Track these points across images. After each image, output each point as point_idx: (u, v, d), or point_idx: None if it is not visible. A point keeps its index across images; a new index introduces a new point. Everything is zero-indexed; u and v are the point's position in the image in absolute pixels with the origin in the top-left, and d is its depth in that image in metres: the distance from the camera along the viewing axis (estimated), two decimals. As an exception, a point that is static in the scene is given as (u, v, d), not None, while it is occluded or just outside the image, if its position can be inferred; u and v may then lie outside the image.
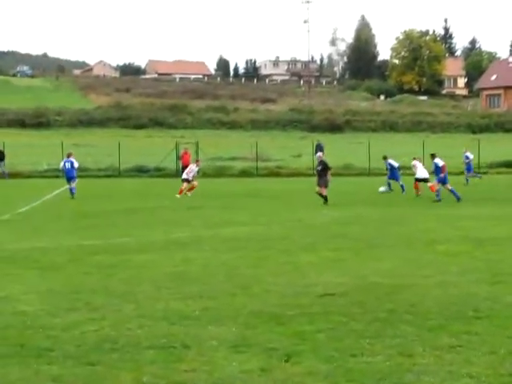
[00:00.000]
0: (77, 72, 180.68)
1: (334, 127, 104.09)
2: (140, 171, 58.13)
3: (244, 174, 58.26)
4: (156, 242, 20.42)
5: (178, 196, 35.73)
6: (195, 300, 12.29)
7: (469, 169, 47.67)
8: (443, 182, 33.58)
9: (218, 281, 14.18)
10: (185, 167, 54.91)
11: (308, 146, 64.75)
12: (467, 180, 45.88)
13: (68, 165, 36.59)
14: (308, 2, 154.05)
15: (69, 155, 37.40)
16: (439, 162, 33.76)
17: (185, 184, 37.06)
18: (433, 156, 34.71)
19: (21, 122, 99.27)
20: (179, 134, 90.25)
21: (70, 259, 17.12)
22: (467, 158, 47.71)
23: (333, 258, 17.02)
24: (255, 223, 25.05)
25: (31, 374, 8.29)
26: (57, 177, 52.69)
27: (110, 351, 9.22)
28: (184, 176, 37.79)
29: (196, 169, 38.92)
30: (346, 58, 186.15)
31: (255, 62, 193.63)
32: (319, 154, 38.67)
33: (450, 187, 33.52)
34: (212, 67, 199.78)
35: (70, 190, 36.38)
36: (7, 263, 16.43)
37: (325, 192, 31.83)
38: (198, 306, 11.79)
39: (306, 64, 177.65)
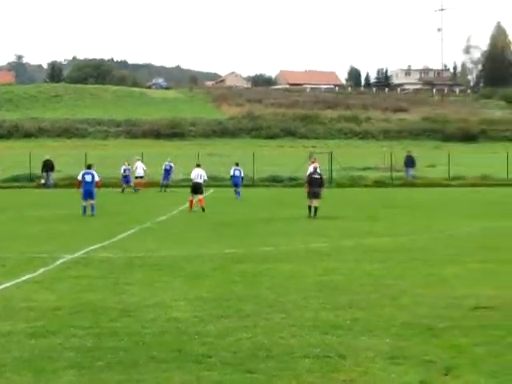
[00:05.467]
0: (209, 83, 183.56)
1: (468, 137, 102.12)
2: (274, 181, 58.62)
3: (378, 184, 57.84)
4: (297, 251, 20.42)
5: None
6: (345, 310, 12.20)
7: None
8: None
9: (365, 291, 14.05)
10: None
11: (442, 155, 63.85)
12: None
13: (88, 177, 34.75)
14: (442, 10, 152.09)
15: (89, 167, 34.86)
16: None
17: None
18: None
19: (156, 133, 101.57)
20: (311, 144, 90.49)
21: (214, 267, 17.30)
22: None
23: (481, 270, 16.62)
24: (395, 234, 24.76)
25: (193, 379, 8.37)
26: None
27: (266, 359, 9.23)
28: None
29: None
30: (480, 66, 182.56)
31: (387, 71, 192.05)
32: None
33: None
34: (343, 77, 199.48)
35: None
36: (154, 270, 16.73)
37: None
38: (348, 316, 11.69)
39: (438, 72, 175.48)
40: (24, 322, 11.21)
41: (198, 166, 38.15)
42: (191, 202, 35.93)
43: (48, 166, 57.60)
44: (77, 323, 11.12)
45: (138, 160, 53.15)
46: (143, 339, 10.21)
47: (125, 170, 51.02)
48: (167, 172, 52.37)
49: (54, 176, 58.27)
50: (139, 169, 52.10)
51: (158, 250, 20.40)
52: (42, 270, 16.63)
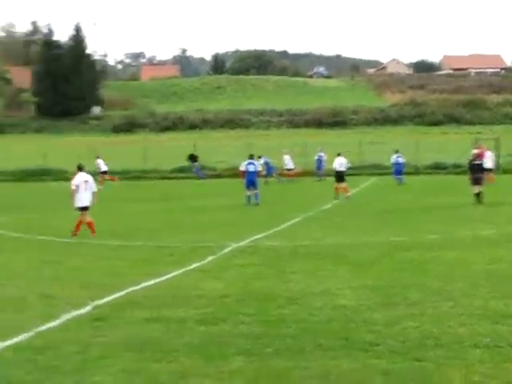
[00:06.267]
0: (370, 71, 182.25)
1: None
2: (438, 168, 57.71)
3: (549, 170, 55.97)
4: (463, 238, 19.99)
5: None
6: (515, 299, 11.85)
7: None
8: None
9: (535, 280, 13.60)
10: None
11: None
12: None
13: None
14: None
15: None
16: None
17: None
18: None
19: (318, 122, 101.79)
20: (476, 130, 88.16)
21: (378, 255, 17.19)
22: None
23: None
24: None
25: (360, 367, 8.36)
26: (354, 174, 53.59)
27: (435, 348, 9.09)
28: None
29: None
30: None
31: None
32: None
33: None
34: (510, 60, 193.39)
35: None
36: (319, 259, 16.79)
37: None
38: (519, 306, 11.35)
39: None
40: (194, 309, 11.50)
41: (339, 154, 38.52)
42: (336, 189, 36.37)
43: (192, 159, 61.02)
44: (245, 310, 11.31)
45: (286, 153, 54.45)
46: (310, 326, 10.27)
47: (266, 163, 52.59)
48: (319, 162, 53.38)
49: (200, 166, 61.35)
50: (287, 161, 53.61)
51: (322, 239, 20.47)
52: (209, 259, 17.02)
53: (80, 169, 23.52)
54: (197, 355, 8.97)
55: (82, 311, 11.56)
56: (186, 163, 62.26)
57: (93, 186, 23.19)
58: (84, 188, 22.83)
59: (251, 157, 35.06)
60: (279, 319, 10.74)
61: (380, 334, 9.80)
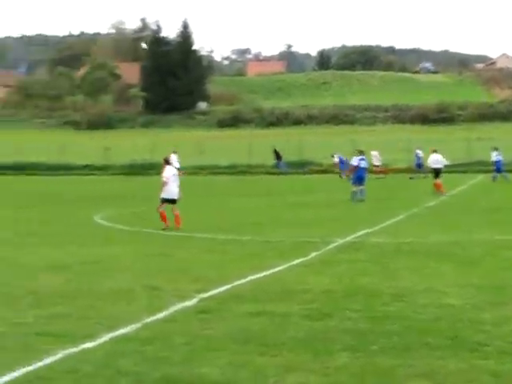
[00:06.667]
0: (479, 66, 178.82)
1: None
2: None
3: None
4: None
5: None
6: None
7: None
8: None
9: None
10: None
11: None
12: None
13: None
14: None
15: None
16: None
17: None
18: None
19: (423, 118, 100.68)
20: None
21: (485, 253, 16.88)
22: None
23: None
24: None
25: (467, 367, 8.18)
26: (460, 172, 52.79)
27: (544, 351, 8.85)
28: None
29: None
30: None
31: None
32: None
33: None
34: None
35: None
36: (423, 257, 16.60)
37: None
38: None
39: None
40: (299, 304, 11.49)
41: (435, 151, 38.52)
42: (437, 185, 36.12)
43: (277, 156, 63.37)
44: (350, 306, 11.25)
45: (374, 150, 55.55)
46: (416, 324, 10.13)
47: (341, 160, 53.87)
48: (418, 159, 53.38)
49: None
50: (374, 158, 54.66)
51: (426, 236, 20.25)
52: (313, 254, 17.00)
53: (167, 162, 24.29)
54: (302, 350, 8.97)
55: (189, 303, 11.70)
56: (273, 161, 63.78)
57: (178, 180, 23.75)
58: (173, 181, 23.41)
59: (361, 153, 35.10)
60: (385, 316, 10.65)
61: (489, 334, 9.59)
